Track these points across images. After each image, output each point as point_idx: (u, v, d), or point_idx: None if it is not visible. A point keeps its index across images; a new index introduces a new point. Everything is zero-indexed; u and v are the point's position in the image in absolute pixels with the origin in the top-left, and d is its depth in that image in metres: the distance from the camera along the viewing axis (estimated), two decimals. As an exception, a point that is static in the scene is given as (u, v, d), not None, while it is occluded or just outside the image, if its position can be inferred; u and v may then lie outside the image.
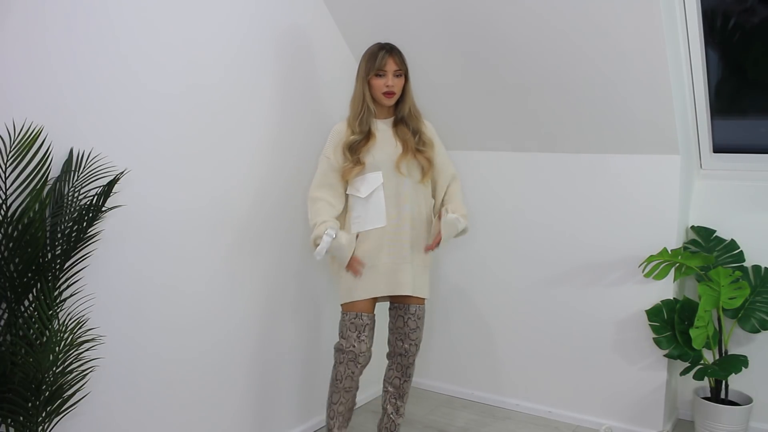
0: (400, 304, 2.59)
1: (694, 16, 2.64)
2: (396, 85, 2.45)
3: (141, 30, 2.15)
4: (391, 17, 2.85)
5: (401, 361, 2.61)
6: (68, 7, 1.94)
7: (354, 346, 2.47)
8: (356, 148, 2.44)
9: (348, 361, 2.48)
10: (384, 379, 2.69)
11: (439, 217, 2.54)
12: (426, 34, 2.86)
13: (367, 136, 2.46)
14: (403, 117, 2.52)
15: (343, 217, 2.53)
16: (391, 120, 2.54)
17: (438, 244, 2.55)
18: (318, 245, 2.37)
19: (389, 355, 2.66)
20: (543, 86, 2.79)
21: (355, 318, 2.48)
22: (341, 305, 2.52)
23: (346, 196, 2.52)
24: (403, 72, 2.48)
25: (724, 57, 2.83)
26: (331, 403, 2.54)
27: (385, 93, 2.45)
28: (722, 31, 2.77)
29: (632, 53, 2.51)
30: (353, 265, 2.45)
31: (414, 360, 2.62)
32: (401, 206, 2.49)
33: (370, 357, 2.53)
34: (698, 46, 2.70)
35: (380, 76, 2.44)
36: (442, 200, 2.61)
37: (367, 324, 2.49)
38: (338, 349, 2.51)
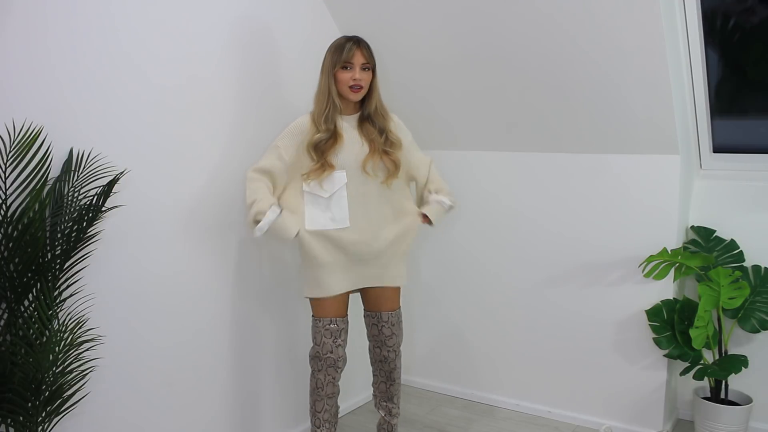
0: (373, 312, 2.54)
1: (694, 16, 2.64)
2: (363, 79, 2.32)
3: (140, 30, 2.15)
4: (389, 16, 2.85)
5: (383, 367, 2.58)
6: (68, 8, 1.94)
7: (332, 352, 2.41)
8: (323, 149, 2.32)
9: (327, 367, 2.42)
10: (372, 384, 2.66)
11: (426, 202, 2.54)
12: (426, 33, 2.85)
13: (334, 135, 2.34)
14: (369, 115, 2.40)
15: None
16: (356, 117, 2.42)
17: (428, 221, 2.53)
18: (259, 221, 2.28)
19: (372, 362, 2.62)
20: (543, 86, 2.78)
21: (329, 324, 2.41)
22: (312, 313, 2.45)
23: (303, 193, 2.38)
24: (371, 66, 2.35)
25: (724, 57, 2.83)
26: (315, 412, 2.48)
27: (351, 87, 2.31)
28: (722, 31, 2.77)
29: (632, 53, 2.51)
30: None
31: (396, 365, 2.58)
32: (368, 207, 2.40)
33: (346, 359, 2.49)
34: (698, 46, 2.70)
35: (347, 69, 2.31)
36: (425, 183, 2.56)
37: (343, 328, 2.44)
38: (315, 357, 2.44)
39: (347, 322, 2.48)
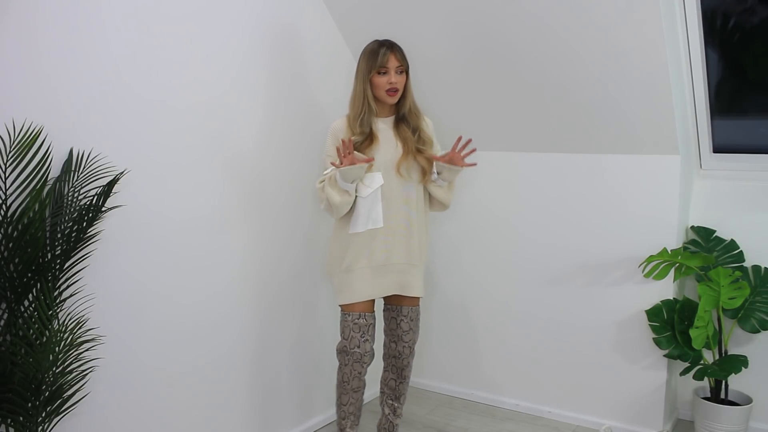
0: (393, 306, 2.57)
1: (694, 16, 2.64)
2: (399, 81, 2.39)
3: (141, 30, 2.15)
4: (390, 14, 2.85)
5: (396, 363, 2.60)
6: (68, 8, 1.94)
7: (359, 347, 2.46)
8: (359, 150, 2.38)
9: (354, 362, 2.47)
10: (380, 380, 2.69)
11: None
12: (425, 33, 2.86)
13: (370, 137, 2.41)
14: (404, 115, 2.47)
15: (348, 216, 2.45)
16: (392, 119, 2.49)
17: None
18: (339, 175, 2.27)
19: (385, 357, 2.65)
20: (543, 86, 2.79)
21: (358, 318, 2.45)
22: (341, 306, 2.50)
23: None
24: (404, 68, 2.42)
25: (724, 57, 2.83)
26: (341, 405, 2.54)
27: (388, 91, 2.38)
28: (722, 31, 2.77)
29: (632, 53, 2.51)
30: (348, 156, 2.25)
31: (409, 362, 2.60)
32: (401, 207, 2.45)
33: (373, 355, 2.53)
34: (698, 46, 2.70)
35: (383, 73, 2.37)
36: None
37: (371, 324, 2.49)
38: (342, 351, 2.49)
39: (375, 318, 2.52)
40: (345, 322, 2.48)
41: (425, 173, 2.48)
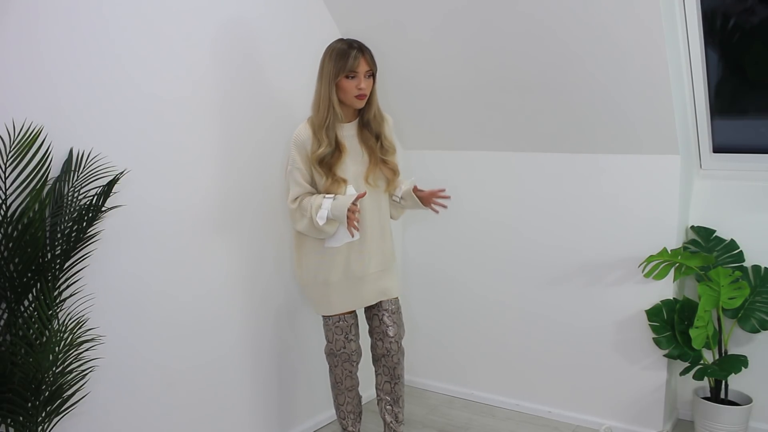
0: (372, 304, 2.55)
1: (694, 16, 2.64)
2: (367, 86, 2.30)
3: (141, 30, 2.15)
4: (386, 13, 2.85)
5: (386, 362, 2.55)
6: (68, 8, 1.94)
7: (344, 348, 2.48)
8: (330, 163, 2.31)
9: (343, 362, 2.49)
10: (376, 387, 2.64)
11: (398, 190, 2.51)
12: (422, 31, 2.85)
13: (338, 148, 2.32)
14: (369, 120, 2.39)
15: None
16: (355, 124, 2.41)
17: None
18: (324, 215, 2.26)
19: (374, 360, 2.60)
20: (542, 86, 2.78)
21: (338, 321, 2.48)
22: (322, 315, 2.52)
23: None
24: (373, 72, 2.32)
25: (724, 57, 2.83)
26: (338, 405, 2.57)
27: (357, 96, 2.29)
28: (722, 31, 2.77)
29: (632, 53, 2.51)
30: (351, 221, 2.24)
31: (399, 359, 2.55)
32: (374, 217, 2.44)
33: (361, 352, 2.54)
34: (698, 46, 2.70)
35: (351, 77, 2.27)
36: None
37: (352, 324, 2.50)
38: (330, 354, 2.52)
39: (356, 317, 2.53)
40: (327, 325, 2.50)
41: (390, 183, 2.46)
